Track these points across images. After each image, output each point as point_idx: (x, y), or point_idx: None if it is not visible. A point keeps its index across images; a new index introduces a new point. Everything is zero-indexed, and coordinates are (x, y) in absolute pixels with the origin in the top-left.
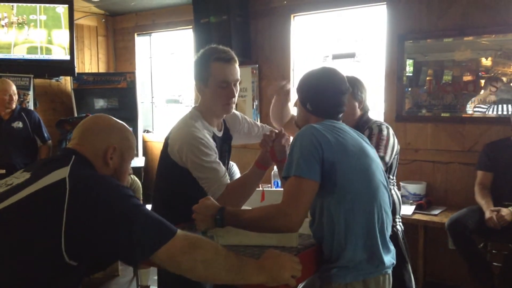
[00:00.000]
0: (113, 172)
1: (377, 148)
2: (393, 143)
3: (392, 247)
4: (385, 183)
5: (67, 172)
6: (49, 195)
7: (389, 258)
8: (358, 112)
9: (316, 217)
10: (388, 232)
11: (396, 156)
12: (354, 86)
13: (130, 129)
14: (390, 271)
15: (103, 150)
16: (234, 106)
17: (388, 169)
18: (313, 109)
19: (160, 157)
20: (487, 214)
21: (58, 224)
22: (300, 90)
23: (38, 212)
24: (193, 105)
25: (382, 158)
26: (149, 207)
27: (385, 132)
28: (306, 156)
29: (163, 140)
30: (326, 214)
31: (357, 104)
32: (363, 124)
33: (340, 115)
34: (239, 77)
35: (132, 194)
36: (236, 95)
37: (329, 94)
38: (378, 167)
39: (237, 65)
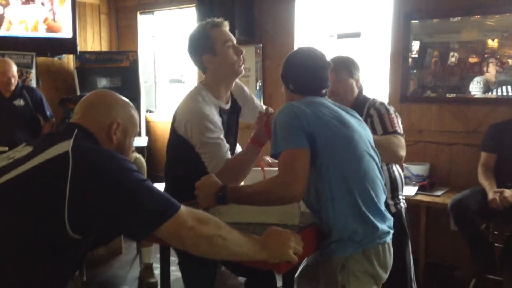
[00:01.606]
0: (116, 148)
1: (392, 126)
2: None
3: (389, 216)
4: (371, 152)
5: (70, 145)
6: (52, 168)
7: (385, 226)
8: (356, 90)
9: (305, 192)
10: (380, 199)
11: None
12: (351, 65)
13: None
14: (389, 240)
15: (107, 125)
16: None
17: None
18: (295, 88)
19: (170, 134)
20: (490, 196)
21: (61, 198)
22: (282, 74)
23: (41, 185)
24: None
25: (402, 135)
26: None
27: (391, 110)
28: (289, 129)
29: (165, 120)
30: (312, 187)
31: (354, 82)
32: (362, 103)
33: (324, 91)
34: (234, 38)
35: (136, 169)
36: (243, 51)
37: (308, 70)
38: (362, 137)
39: (227, 28)
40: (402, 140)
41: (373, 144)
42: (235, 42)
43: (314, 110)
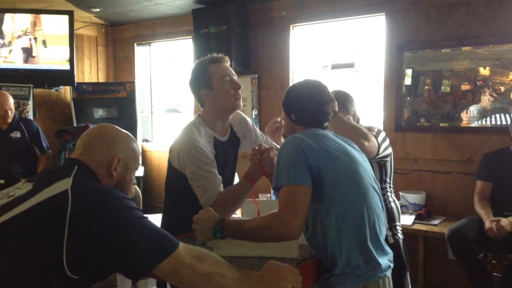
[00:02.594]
0: (116, 183)
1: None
2: (384, 137)
3: (389, 250)
4: (375, 186)
5: (70, 183)
6: (51, 207)
7: (386, 261)
8: None
9: (310, 225)
10: (382, 234)
11: (388, 158)
12: (346, 101)
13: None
14: (389, 274)
15: (107, 161)
16: (241, 101)
17: (383, 171)
18: (297, 119)
19: (167, 166)
20: (487, 224)
21: (60, 238)
22: (284, 102)
23: (40, 225)
24: (193, 115)
25: (373, 135)
26: (153, 216)
27: (375, 128)
28: (294, 164)
29: (162, 150)
30: (317, 220)
31: (351, 118)
32: None
33: (325, 124)
34: (234, 73)
35: (136, 206)
36: (241, 86)
37: (311, 104)
38: (366, 170)
39: (228, 64)
40: (370, 134)
41: (375, 178)
42: (234, 77)
43: (320, 143)
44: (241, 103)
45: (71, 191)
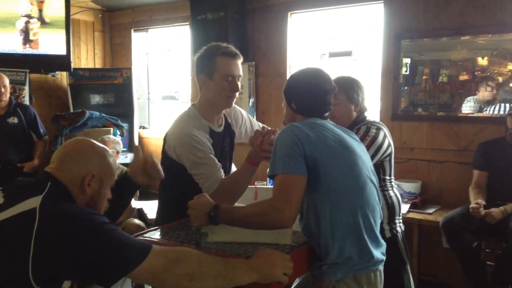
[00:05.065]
0: (89, 199)
1: None
2: (380, 144)
3: (382, 242)
4: (373, 178)
5: (39, 202)
6: (18, 224)
7: (379, 253)
8: (354, 115)
9: (304, 214)
10: (377, 226)
11: (387, 158)
12: (350, 88)
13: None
14: (381, 267)
15: (80, 177)
16: (235, 100)
17: (380, 171)
18: (298, 108)
19: (161, 156)
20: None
21: (25, 254)
22: (285, 90)
23: (6, 240)
24: (189, 102)
25: (368, 147)
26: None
27: (372, 133)
28: (290, 153)
29: (159, 136)
30: (312, 210)
31: (353, 107)
32: (357, 124)
33: (326, 114)
34: (241, 73)
35: (105, 220)
36: (239, 89)
37: (312, 93)
38: (365, 162)
39: (240, 61)
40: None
41: (373, 168)
42: (237, 77)
43: (317, 133)
44: (234, 101)
45: (39, 209)
